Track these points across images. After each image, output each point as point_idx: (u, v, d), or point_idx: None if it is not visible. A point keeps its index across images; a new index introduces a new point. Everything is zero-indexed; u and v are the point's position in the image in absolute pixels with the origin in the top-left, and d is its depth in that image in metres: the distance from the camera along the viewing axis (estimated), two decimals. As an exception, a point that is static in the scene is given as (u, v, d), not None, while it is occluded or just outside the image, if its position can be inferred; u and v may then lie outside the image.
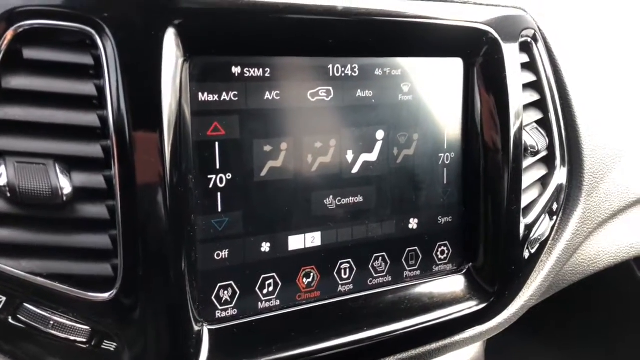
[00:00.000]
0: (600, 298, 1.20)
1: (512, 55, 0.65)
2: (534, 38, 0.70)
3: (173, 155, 0.48)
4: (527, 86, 0.70)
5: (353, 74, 0.59)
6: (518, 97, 0.66)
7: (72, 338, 0.48)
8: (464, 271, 0.69)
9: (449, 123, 0.66)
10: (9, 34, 0.44)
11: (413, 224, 0.65)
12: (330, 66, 0.57)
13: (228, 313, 0.56)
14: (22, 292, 0.47)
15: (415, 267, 0.66)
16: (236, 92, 0.53)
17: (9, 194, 0.45)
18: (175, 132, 0.48)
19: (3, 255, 0.46)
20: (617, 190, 0.83)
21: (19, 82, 0.45)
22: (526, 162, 0.69)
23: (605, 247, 0.85)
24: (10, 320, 0.47)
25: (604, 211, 0.81)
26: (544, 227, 0.72)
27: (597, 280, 0.94)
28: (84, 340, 0.48)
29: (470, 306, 0.67)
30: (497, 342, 0.91)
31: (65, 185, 0.46)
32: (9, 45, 0.45)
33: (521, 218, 0.69)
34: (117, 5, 0.46)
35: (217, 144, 0.53)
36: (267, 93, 0.54)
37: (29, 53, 0.45)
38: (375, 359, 0.63)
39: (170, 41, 0.47)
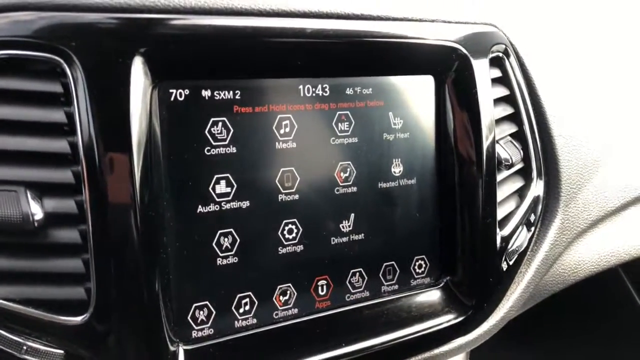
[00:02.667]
0: (587, 304, 1.20)
1: (482, 71, 0.66)
2: (506, 53, 0.71)
3: (143, 179, 0.49)
4: (500, 100, 0.71)
5: (324, 93, 0.60)
6: (490, 111, 0.67)
7: (46, 363, 0.48)
8: (441, 284, 0.70)
9: (422, 140, 0.67)
10: (-22, 66, 0.45)
11: (389, 239, 0.66)
12: (301, 87, 0.58)
13: (204, 333, 0.56)
14: (-5, 318, 0.47)
15: (393, 282, 0.67)
16: (206, 116, 0.54)
17: (-20, 222, 0.46)
18: (145, 156, 0.49)
19: (-24, 282, 0.47)
20: (596, 199, 0.83)
21: (-11, 111, 0.46)
22: (501, 175, 0.70)
23: (586, 256, 0.86)
24: (-17, 346, 0.48)
25: (583, 221, 0.82)
26: (521, 238, 0.73)
27: (583, 287, 0.94)
28: (58, 364, 0.49)
29: (449, 319, 0.68)
30: (482, 352, 0.92)
31: (36, 211, 0.47)
32: (-21, 76, 0.46)
33: (497, 230, 0.69)
34: (85, 34, 0.47)
35: (187, 167, 0.53)
36: (238, 116, 0.55)
37: (-1, 83, 0.46)
38: (354, 375, 0.63)
39: (138, 68, 0.48)
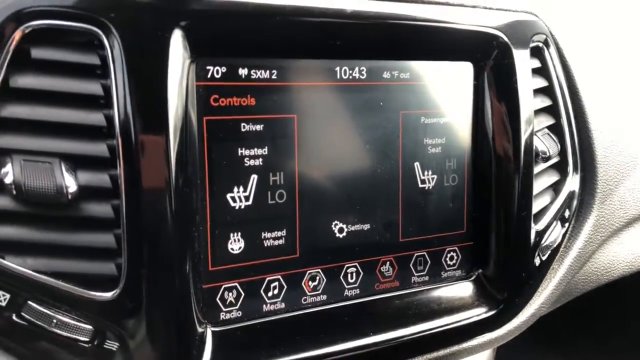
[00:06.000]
0: (616, 307, 1.17)
1: (522, 60, 0.64)
2: (546, 43, 0.70)
3: (178, 156, 0.48)
4: (538, 91, 0.69)
5: (361, 76, 0.58)
6: (529, 102, 0.65)
7: (75, 337, 0.48)
8: (473, 277, 0.68)
9: (459, 128, 0.65)
10: (17, 34, 0.45)
11: (422, 228, 0.64)
12: (338, 68, 0.57)
13: (232, 315, 0.56)
14: (26, 289, 0.47)
15: (424, 273, 0.66)
16: (242, 94, 0.53)
17: (14, 192, 0.45)
18: (181, 133, 0.48)
19: (8, 253, 0.46)
20: (633, 197, 0.81)
21: (26, 81, 0.46)
22: (537, 168, 0.68)
23: (620, 256, 0.84)
24: (14, 317, 0.47)
25: (619, 219, 0.80)
26: (555, 234, 0.71)
27: (613, 289, 0.92)
28: (87, 339, 0.48)
29: (479, 313, 0.66)
30: (507, 350, 0.90)
31: (70, 183, 0.46)
32: (17, 45, 0.45)
33: (532, 224, 0.68)
34: (124, 6, 0.46)
35: (223, 145, 0.53)
36: (274, 95, 0.54)
37: (37, 53, 0.46)
38: (381, 365, 0.62)
39: (177, 42, 0.47)
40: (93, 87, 0.47)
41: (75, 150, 0.47)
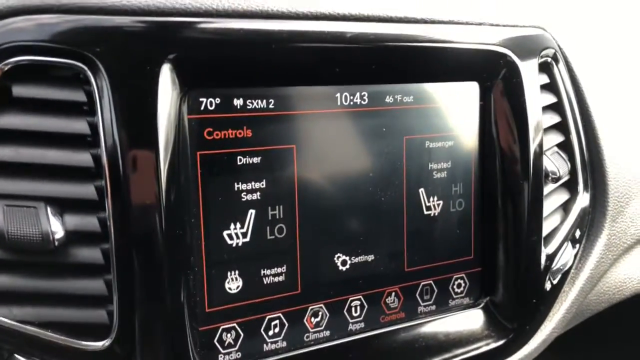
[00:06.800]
0: (632, 324, 1.14)
1: (531, 78, 0.62)
2: (554, 58, 0.67)
3: (170, 196, 0.46)
4: (547, 108, 0.67)
5: (362, 102, 0.56)
6: (538, 122, 0.62)
7: (64, 391, 0.45)
8: (481, 305, 0.66)
9: (465, 151, 0.62)
10: (-4, 73, 0.42)
11: (428, 256, 0.62)
12: (338, 95, 0.54)
13: (231, 357, 0.53)
14: (12, 342, 0.44)
15: (431, 302, 0.63)
16: (238, 126, 0.50)
17: (-3, 240, 0.43)
18: (173, 171, 0.46)
19: (-8, 303, 0.44)
20: (644, 214, 0.79)
21: (7, 121, 0.43)
22: (547, 189, 0.66)
23: (632, 274, 0.81)
24: (-1, 372, 0.45)
25: (630, 236, 0.77)
26: (566, 256, 0.69)
27: (628, 306, 0.89)
28: (77, 393, 0.46)
29: (488, 342, 0.64)
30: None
31: (57, 229, 0.44)
32: (-3, 83, 0.42)
33: (542, 248, 0.65)
34: (110, 39, 0.43)
35: (218, 180, 0.50)
36: (272, 126, 0.51)
37: (18, 90, 0.43)
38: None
39: (166, 76, 0.45)
40: (79, 125, 0.44)
41: (61, 193, 0.44)
